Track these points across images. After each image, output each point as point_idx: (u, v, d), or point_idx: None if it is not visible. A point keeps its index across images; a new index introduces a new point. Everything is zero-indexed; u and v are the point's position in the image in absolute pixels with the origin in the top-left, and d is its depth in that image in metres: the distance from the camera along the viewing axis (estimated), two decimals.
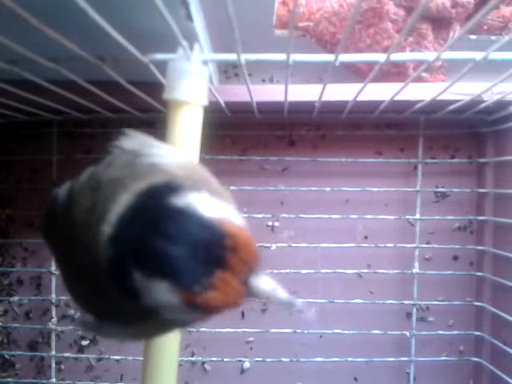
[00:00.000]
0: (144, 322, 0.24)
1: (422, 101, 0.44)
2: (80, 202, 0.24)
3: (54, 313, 0.55)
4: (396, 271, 0.54)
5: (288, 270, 0.54)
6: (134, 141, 0.25)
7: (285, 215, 0.55)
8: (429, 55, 0.32)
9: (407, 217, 0.55)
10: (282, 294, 0.21)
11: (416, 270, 0.54)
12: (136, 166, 0.23)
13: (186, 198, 0.20)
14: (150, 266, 0.19)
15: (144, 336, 0.30)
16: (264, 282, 0.21)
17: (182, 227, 0.19)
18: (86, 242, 0.22)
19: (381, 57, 0.32)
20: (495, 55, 0.31)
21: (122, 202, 0.21)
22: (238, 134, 0.55)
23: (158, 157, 0.24)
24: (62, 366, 0.56)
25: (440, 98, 0.42)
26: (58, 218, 0.26)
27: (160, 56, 0.33)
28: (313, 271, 0.54)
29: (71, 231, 0.24)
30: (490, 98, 0.44)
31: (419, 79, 0.48)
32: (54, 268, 0.54)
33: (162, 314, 0.21)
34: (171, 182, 0.21)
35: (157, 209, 0.20)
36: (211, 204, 0.21)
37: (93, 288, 0.24)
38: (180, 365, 0.54)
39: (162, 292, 0.19)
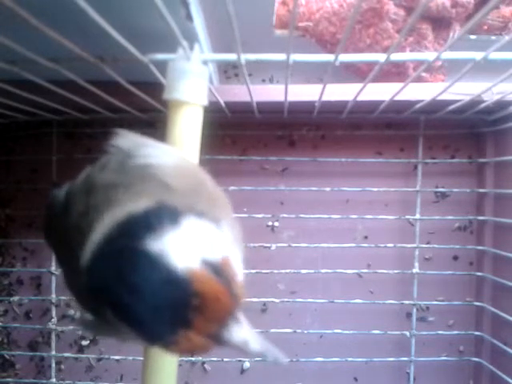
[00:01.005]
0: None
1: (422, 101, 0.44)
2: (75, 205, 0.24)
3: (53, 313, 0.55)
4: (396, 271, 0.54)
5: (288, 270, 0.54)
6: (128, 140, 0.25)
7: (285, 215, 0.55)
8: (429, 55, 0.32)
9: (407, 217, 0.54)
10: (254, 345, 0.20)
11: (416, 269, 0.54)
12: (129, 169, 0.23)
13: (162, 240, 0.19)
14: (117, 312, 0.19)
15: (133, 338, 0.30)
16: (236, 333, 0.20)
17: (149, 282, 0.18)
18: (77, 246, 0.22)
19: (381, 57, 0.32)
20: (495, 55, 0.31)
21: (98, 233, 0.20)
22: (238, 133, 0.55)
23: (151, 157, 0.23)
24: (62, 366, 0.56)
25: (440, 98, 0.42)
26: (56, 220, 0.26)
27: (160, 56, 0.33)
28: (313, 271, 0.54)
29: (66, 232, 0.24)
30: (490, 98, 0.44)
31: (419, 79, 0.48)
32: (54, 268, 0.54)
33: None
34: (151, 211, 0.20)
35: (129, 252, 0.19)
36: (190, 243, 0.20)
37: (82, 285, 0.24)
38: (180, 365, 0.54)
39: (129, 333, 0.19)
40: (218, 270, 0.20)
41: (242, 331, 0.20)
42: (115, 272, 0.19)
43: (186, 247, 0.20)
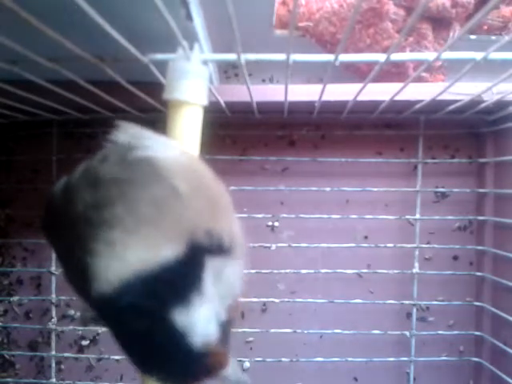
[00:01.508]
0: None
1: (422, 101, 0.44)
2: (78, 197, 0.23)
3: (53, 313, 0.55)
4: (396, 271, 0.54)
5: (288, 270, 0.54)
6: (127, 133, 0.25)
7: (285, 215, 0.55)
8: (429, 55, 0.32)
9: (407, 217, 0.54)
10: (233, 377, 0.23)
11: (416, 270, 0.54)
12: (130, 162, 0.23)
13: (188, 312, 0.20)
14: (126, 353, 0.20)
15: None
16: (232, 372, 0.23)
17: (171, 353, 0.20)
18: (83, 238, 0.22)
19: (381, 57, 0.32)
20: (495, 55, 0.31)
21: (124, 269, 0.20)
22: (238, 133, 0.55)
23: (151, 150, 0.23)
24: (62, 366, 0.56)
25: (440, 98, 0.42)
26: (56, 215, 0.26)
27: (160, 56, 0.33)
28: (313, 271, 0.54)
29: (68, 226, 0.24)
30: (490, 97, 0.44)
31: (419, 79, 0.48)
32: (54, 268, 0.54)
33: None
34: (177, 266, 0.20)
35: (156, 319, 0.19)
36: (211, 308, 0.21)
37: (84, 277, 0.24)
38: None
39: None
40: (226, 326, 0.21)
41: (235, 369, 0.23)
42: (138, 332, 0.19)
43: (207, 316, 0.20)
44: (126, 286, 0.19)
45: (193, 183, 0.23)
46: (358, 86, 0.40)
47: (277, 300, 0.54)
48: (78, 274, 0.25)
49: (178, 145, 0.29)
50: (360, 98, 0.43)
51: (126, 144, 0.24)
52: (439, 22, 0.48)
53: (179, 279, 0.20)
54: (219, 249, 0.21)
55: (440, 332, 0.54)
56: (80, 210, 0.23)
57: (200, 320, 0.20)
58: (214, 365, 0.21)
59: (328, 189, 0.53)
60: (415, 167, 0.55)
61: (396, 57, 0.33)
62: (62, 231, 0.25)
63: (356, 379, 0.56)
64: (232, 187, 0.52)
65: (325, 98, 0.43)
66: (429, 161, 0.54)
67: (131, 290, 0.19)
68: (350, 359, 0.54)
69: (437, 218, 0.54)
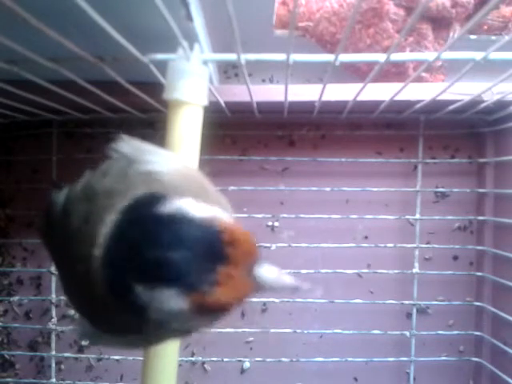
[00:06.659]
0: (136, 333, 0.23)
1: (422, 101, 0.44)
2: (75, 211, 0.23)
3: (53, 313, 0.55)
4: (396, 271, 0.54)
5: (288, 270, 0.54)
6: (130, 146, 0.25)
7: (285, 215, 0.54)
8: (429, 55, 0.32)
9: (407, 217, 0.54)
10: (287, 279, 0.21)
11: (416, 270, 0.54)
12: (131, 175, 0.23)
13: (174, 204, 0.20)
14: (152, 277, 0.18)
15: (137, 346, 0.29)
16: (268, 270, 0.21)
17: (175, 231, 0.19)
18: (80, 251, 0.22)
19: (381, 57, 0.32)
20: (495, 55, 0.31)
21: (107, 222, 0.20)
22: (238, 133, 0.55)
23: (153, 164, 0.23)
24: (62, 366, 0.56)
25: (440, 98, 0.42)
26: (55, 224, 0.26)
27: (160, 56, 0.33)
28: (313, 271, 0.54)
29: (66, 238, 0.24)
30: (490, 98, 0.44)
31: (419, 79, 0.48)
32: (54, 268, 0.54)
33: (167, 325, 0.20)
34: (156, 192, 0.21)
35: (145, 220, 0.20)
36: (201, 206, 0.20)
37: (85, 295, 0.24)
38: (180, 365, 0.54)
39: (170, 300, 0.18)
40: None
41: (272, 268, 0.21)
42: (138, 240, 0.19)
43: (198, 206, 0.20)
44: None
45: (195, 195, 0.23)
46: (358, 86, 0.40)
47: (277, 300, 0.54)
48: (77, 284, 0.25)
49: (181, 159, 0.29)
50: (360, 98, 0.43)
51: (127, 158, 0.24)
52: (439, 22, 0.48)
53: (159, 196, 0.21)
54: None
55: (440, 332, 0.54)
56: (76, 225, 0.23)
57: (187, 205, 0.20)
58: (234, 239, 0.20)
59: (328, 189, 0.53)
60: (415, 167, 0.55)
61: (396, 57, 0.33)
62: (60, 244, 0.25)
63: (356, 379, 0.56)
64: (232, 187, 0.52)
65: (325, 98, 0.43)
66: (429, 161, 0.54)
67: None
68: (350, 359, 0.54)
69: (437, 218, 0.54)
